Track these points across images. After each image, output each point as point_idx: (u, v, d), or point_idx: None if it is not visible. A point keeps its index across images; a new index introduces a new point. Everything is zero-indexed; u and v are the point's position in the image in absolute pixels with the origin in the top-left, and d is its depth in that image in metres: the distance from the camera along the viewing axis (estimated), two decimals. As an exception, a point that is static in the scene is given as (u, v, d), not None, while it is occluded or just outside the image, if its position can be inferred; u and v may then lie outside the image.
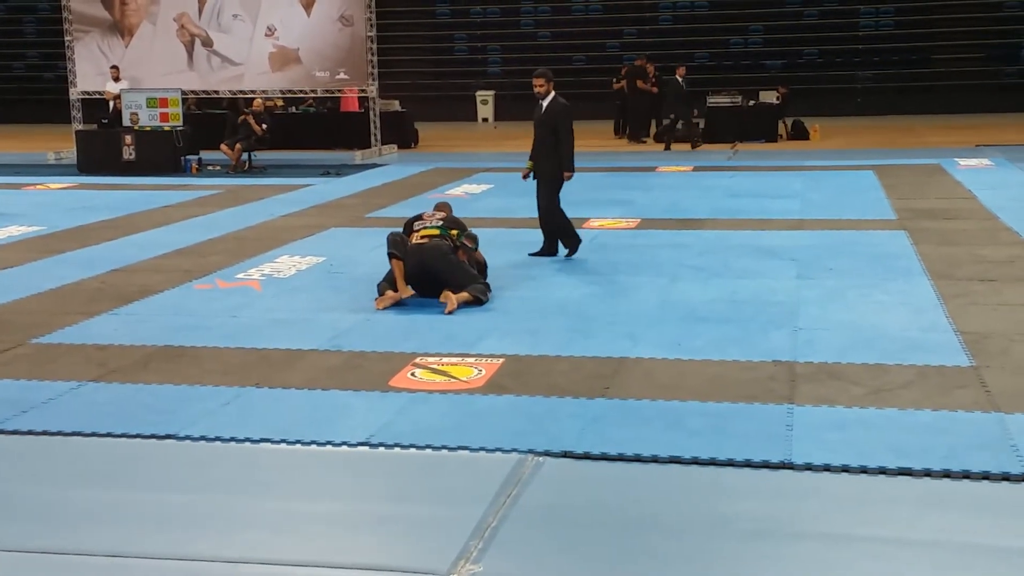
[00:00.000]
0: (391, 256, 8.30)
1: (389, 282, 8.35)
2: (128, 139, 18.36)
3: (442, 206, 9.07)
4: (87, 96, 21.52)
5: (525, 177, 10.38)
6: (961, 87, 26.90)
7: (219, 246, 11.05)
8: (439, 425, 5.65)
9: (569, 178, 10.06)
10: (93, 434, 5.66)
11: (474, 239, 8.73)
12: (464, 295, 8.15)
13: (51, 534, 4.52)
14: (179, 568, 4.22)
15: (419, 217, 8.87)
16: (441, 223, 8.63)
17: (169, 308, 8.42)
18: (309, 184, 16.26)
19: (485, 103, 28.95)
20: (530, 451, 5.26)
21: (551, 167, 9.98)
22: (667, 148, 20.65)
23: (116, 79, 20.28)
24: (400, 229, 8.73)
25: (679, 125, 21.06)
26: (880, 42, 28.84)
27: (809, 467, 5.02)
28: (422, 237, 8.46)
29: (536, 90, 9.95)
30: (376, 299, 8.28)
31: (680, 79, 20.96)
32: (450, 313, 7.96)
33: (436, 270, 8.26)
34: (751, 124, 21.88)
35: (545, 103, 9.93)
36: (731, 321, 7.64)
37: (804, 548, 4.30)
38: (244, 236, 11.66)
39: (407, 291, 8.22)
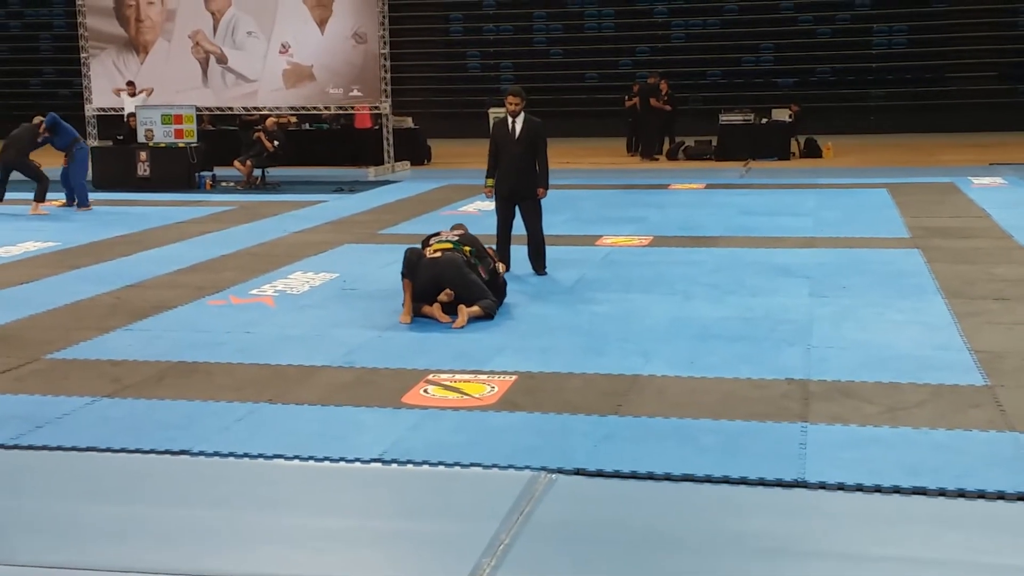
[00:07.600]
0: (402, 275, 8.37)
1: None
2: (143, 155, 18.43)
3: (458, 226, 9.21)
4: (102, 112, 21.65)
5: (490, 195, 10.27)
6: (974, 105, 26.87)
7: (233, 262, 11.09)
8: (452, 442, 5.65)
9: (544, 195, 10.05)
10: (107, 449, 5.67)
11: (491, 260, 8.76)
12: (475, 309, 8.21)
13: (65, 549, 4.53)
14: (192, 584, 4.23)
15: (436, 234, 8.98)
16: (457, 239, 8.72)
17: (183, 324, 8.45)
18: (322, 200, 16.31)
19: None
20: (543, 468, 5.26)
21: (535, 184, 9.97)
22: None
23: (132, 95, 20.38)
24: (418, 246, 8.79)
25: None
26: (893, 60, 28.84)
27: (823, 486, 5.00)
28: (435, 251, 8.54)
29: (512, 108, 9.83)
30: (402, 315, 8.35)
31: None
32: (460, 327, 7.99)
33: (450, 283, 8.29)
34: (764, 142, 21.83)
35: (519, 121, 9.89)
36: (744, 339, 7.62)
37: (817, 567, 4.29)
38: (258, 252, 11.69)
39: (408, 318, 8.24)
